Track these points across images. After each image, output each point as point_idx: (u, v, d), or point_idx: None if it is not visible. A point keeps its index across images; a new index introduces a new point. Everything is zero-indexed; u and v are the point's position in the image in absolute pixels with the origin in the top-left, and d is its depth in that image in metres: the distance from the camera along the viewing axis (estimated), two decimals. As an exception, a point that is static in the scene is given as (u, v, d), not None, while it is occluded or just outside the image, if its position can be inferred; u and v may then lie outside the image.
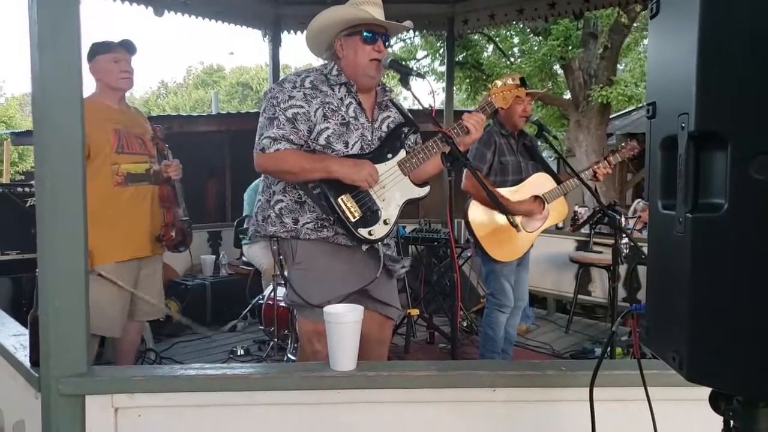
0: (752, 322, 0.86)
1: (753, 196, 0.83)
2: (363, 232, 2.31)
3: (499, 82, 2.68)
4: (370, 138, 2.41)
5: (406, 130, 2.49)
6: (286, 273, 2.50)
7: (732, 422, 1.01)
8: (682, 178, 0.92)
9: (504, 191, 3.61)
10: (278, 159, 2.29)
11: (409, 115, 2.56)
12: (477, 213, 3.64)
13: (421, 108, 2.38)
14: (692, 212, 0.90)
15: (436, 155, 2.40)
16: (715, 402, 1.03)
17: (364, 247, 2.40)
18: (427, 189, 2.49)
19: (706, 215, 0.88)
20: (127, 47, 3.12)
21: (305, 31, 2.47)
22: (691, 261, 0.89)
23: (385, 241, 2.47)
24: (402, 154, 2.43)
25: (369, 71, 2.38)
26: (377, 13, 2.37)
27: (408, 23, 2.50)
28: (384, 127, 2.48)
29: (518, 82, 2.71)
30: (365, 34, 2.35)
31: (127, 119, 3.14)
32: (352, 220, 2.29)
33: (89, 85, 3.06)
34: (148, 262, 3.22)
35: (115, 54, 3.06)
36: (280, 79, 2.44)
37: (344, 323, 1.76)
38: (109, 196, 2.96)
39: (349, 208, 2.29)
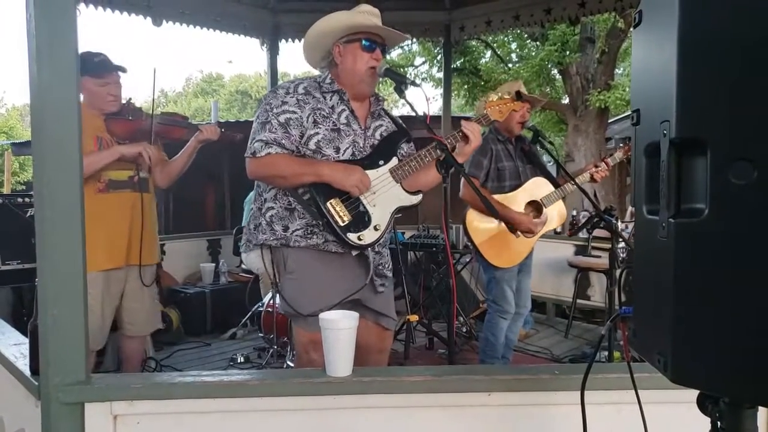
0: (734, 325, 0.87)
1: (732, 201, 0.85)
2: (352, 236, 2.31)
3: (494, 96, 2.68)
4: (362, 145, 2.43)
5: (399, 138, 2.51)
6: (279, 280, 2.51)
7: (719, 423, 1.03)
8: (664, 184, 0.94)
9: (501, 197, 3.63)
10: (269, 163, 2.30)
11: (402, 124, 2.57)
12: (475, 220, 3.66)
13: (416, 115, 2.41)
14: (674, 217, 0.92)
15: (431, 164, 2.42)
16: (702, 404, 1.05)
17: (354, 253, 2.40)
18: (419, 197, 2.50)
19: (687, 220, 0.90)
20: (117, 69, 3.09)
21: (304, 36, 2.47)
22: (674, 265, 0.91)
23: (377, 249, 2.48)
24: (394, 161, 2.44)
25: (367, 79, 2.40)
26: (377, 21, 2.39)
27: (403, 36, 2.52)
28: (377, 135, 2.50)
29: (514, 96, 2.71)
30: (364, 42, 2.38)
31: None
32: (341, 224, 2.30)
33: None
34: (135, 274, 3.16)
35: (106, 79, 3.04)
36: (276, 86, 2.46)
37: (339, 329, 1.77)
38: (91, 203, 2.89)
39: (338, 212, 2.30)
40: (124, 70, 3.12)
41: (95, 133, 3.02)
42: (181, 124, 3.40)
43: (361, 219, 2.34)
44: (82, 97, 3.02)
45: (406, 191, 2.47)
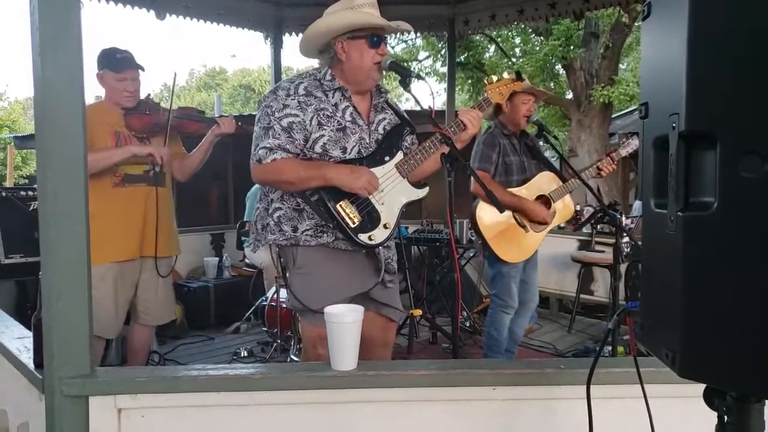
0: (743, 319, 0.87)
1: (741, 194, 0.84)
2: (363, 237, 2.31)
3: (494, 77, 2.67)
4: (368, 141, 2.41)
5: (402, 131, 2.49)
6: (287, 275, 2.51)
7: (726, 418, 1.02)
8: (673, 178, 0.93)
9: (512, 191, 3.63)
10: (275, 169, 2.29)
11: (405, 115, 2.55)
12: (485, 214, 3.63)
13: (420, 109, 2.40)
14: (683, 211, 0.91)
15: (434, 154, 2.41)
16: (709, 398, 1.04)
17: (364, 251, 2.40)
18: (425, 190, 2.49)
19: (696, 214, 0.89)
20: (136, 66, 3.18)
21: (303, 33, 2.44)
22: (683, 258, 0.90)
23: (385, 243, 2.47)
24: (399, 156, 2.43)
25: (373, 74, 2.38)
26: (376, 13, 2.37)
27: (407, 26, 2.49)
28: (381, 129, 2.47)
29: (514, 76, 2.70)
30: (373, 38, 2.34)
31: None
32: (352, 226, 2.29)
33: (94, 88, 3.17)
34: (150, 265, 3.22)
35: (123, 74, 3.12)
36: (274, 86, 2.42)
37: (344, 323, 1.77)
38: (106, 196, 3.00)
39: (348, 214, 2.29)
40: (141, 69, 3.20)
41: (114, 128, 3.11)
42: (198, 118, 3.48)
43: (370, 219, 2.33)
44: (103, 91, 3.17)
45: (412, 185, 2.46)
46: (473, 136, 2.50)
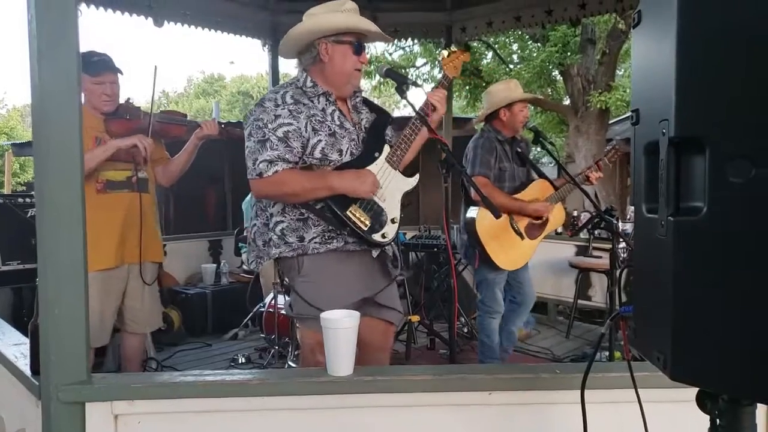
0: (732, 322, 0.88)
1: (730, 199, 0.85)
2: (377, 236, 2.33)
3: (445, 53, 2.74)
4: (357, 141, 2.43)
5: (382, 124, 2.53)
6: (286, 282, 2.50)
7: (718, 421, 1.03)
8: (663, 183, 0.94)
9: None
10: (278, 182, 2.26)
11: (379, 106, 2.61)
12: (483, 219, 3.63)
13: (417, 115, 2.42)
14: (673, 215, 0.92)
15: (417, 141, 2.49)
16: (701, 401, 1.05)
17: (375, 253, 2.42)
18: (416, 178, 2.53)
19: (686, 218, 0.90)
20: (114, 70, 3.12)
21: (286, 34, 2.44)
22: (673, 262, 0.91)
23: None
24: (387, 149, 2.45)
25: (353, 80, 2.42)
26: (363, 21, 2.41)
27: (389, 37, 2.55)
28: (363, 128, 2.51)
29: (463, 47, 2.76)
30: (357, 45, 2.37)
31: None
32: (365, 228, 2.30)
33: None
34: (136, 273, 3.18)
35: (101, 77, 3.06)
36: (259, 100, 2.41)
37: (341, 329, 1.78)
38: (89, 203, 2.94)
39: (358, 218, 2.30)
40: (120, 72, 3.14)
41: (94, 133, 3.05)
42: (181, 122, 3.42)
43: (379, 217, 2.36)
44: (82, 96, 3.06)
45: (403, 174, 2.49)
46: (441, 116, 2.57)
